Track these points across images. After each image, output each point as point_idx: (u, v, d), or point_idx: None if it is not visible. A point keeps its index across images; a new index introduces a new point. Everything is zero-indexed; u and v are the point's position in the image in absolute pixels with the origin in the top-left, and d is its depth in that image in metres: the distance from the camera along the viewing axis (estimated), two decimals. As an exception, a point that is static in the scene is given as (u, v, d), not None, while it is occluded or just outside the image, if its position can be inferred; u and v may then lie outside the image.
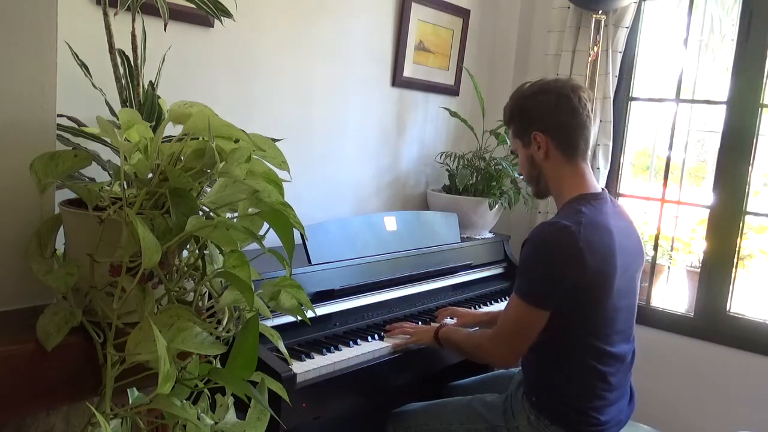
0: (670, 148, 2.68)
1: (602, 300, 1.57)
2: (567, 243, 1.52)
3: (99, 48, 1.29)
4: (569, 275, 1.53)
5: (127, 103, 1.30)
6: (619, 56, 2.64)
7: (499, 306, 2.30)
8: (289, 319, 1.65)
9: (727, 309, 2.52)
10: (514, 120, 1.73)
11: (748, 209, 2.48)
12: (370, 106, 2.45)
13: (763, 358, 2.42)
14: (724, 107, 2.49)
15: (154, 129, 0.96)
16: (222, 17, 1.35)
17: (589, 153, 1.72)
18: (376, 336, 1.85)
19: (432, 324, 1.95)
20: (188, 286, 1.03)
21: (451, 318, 2.05)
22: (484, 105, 2.61)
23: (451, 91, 2.78)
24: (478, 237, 2.58)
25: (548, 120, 1.65)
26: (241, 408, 1.09)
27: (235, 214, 1.00)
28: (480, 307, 2.26)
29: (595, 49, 2.58)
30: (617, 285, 1.58)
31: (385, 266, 2.06)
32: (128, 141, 0.93)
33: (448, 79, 2.75)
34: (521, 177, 1.85)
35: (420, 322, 2.01)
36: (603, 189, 1.72)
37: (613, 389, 1.63)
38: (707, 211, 2.56)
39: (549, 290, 1.56)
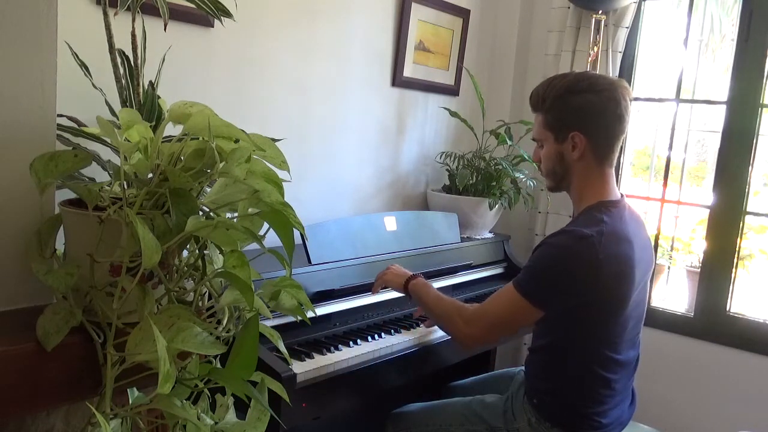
0: (670, 148, 2.68)
1: (616, 313, 1.54)
2: (586, 254, 1.48)
3: (99, 48, 1.29)
4: (581, 287, 1.50)
5: (127, 103, 1.30)
6: (619, 56, 2.64)
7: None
8: (289, 319, 1.65)
9: (727, 309, 2.52)
10: (552, 111, 1.61)
11: (748, 209, 2.48)
12: (370, 106, 2.45)
13: (763, 358, 2.42)
14: (724, 107, 2.49)
15: (154, 129, 0.96)
16: (222, 17, 1.35)
17: (615, 160, 1.65)
18: (376, 336, 1.85)
19: (407, 271, 1.87)
20: (188, 286, 1.03)
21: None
22: (484, 105, 2.61)
23: (451, 91, 2.78)
24: (478, 237, 2.58)
25: (593, 123, 1.57)
26: (241, 408, 1.09)
27: (235, 214, 1.00)
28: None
29: (595, 49, 2.58)
30: (632, 297, 1.55)
31: (385, 266, 2.06)
32: (128, 141, 0.93)
33: (448, 79, 2.75)
34: (537, 166, 1.73)
35: (420, 324, 2.01)
36: (622, 195, 1.66)
37: (616, 394, 1.62)
38: (707, 211, 2.56)
39: (552, 294, 1.53)
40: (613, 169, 1.66)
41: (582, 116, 1.58)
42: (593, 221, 1.54)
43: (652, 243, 1.75)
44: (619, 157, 2.76)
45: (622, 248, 1.53)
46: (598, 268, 1.48)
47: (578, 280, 1.50)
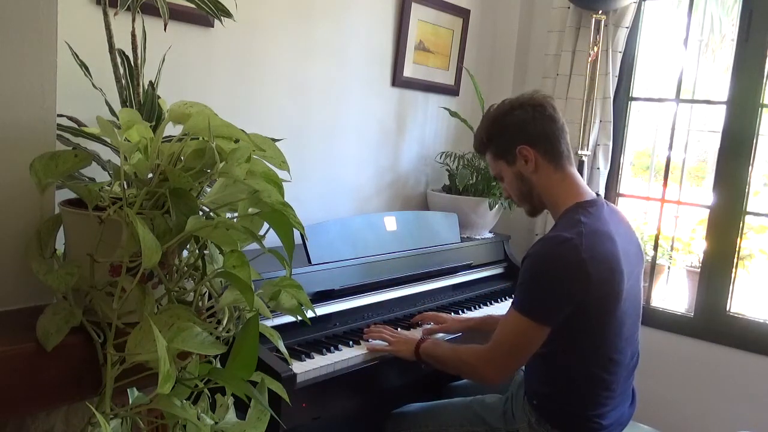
0: (670, 148, 2.68)
1: (612, 310, 1.54)
2: (570, 256, 1.49)
3: (99, 48, 1.29)
4: (574, 290, 1.50)
5: (127, 103, 1.30)
6: (619, 56, 2.64)
7: (495, 307, 2.30)
8: (289, 319, 1.65)
9: (727, 309, 2.52)
10: (493, 142, 1.71)
11: (748, 209, 2.48)
12: (370, 106, 2.45)
13: (763, 358, 2.42)
14: (724, 107, 2.49)
15: (154, 129, 0.95)
16: (222, 17, 1.35)
17: (573, 158, 1.70)
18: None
19: (413, 334, 1.85)
20: (188, 286, 1.03)
21: (432, 323, 1.99)
22: (484, 105, 2.61)
23: (451, 91, 2.78)
24: (478, 237, 2.58)
25: (530, 131, 1.64)
26: (241, 408, 1.09)
27: (235, 214, 1.00)
28: (480, 308, 2.26)
29: (595, 49, 2.58)
30: (625, 292, 1.56)
31: (385, 266, 2.06)
32: (128, 141, 0.93)
33: (448, 79, 2.75)
34: (508, 199, 1.81)
35: (420, 324, 2.00)
36: (597, 194, 1.69)
37: (616, 396, 1.62)
38: (707, 211, 2.56)
39: (552, 306, 1.52)
40: (575, 167, 1.70)
41: (518, 130, 1.66)
42: (571, 223, 1.55)
43: (638, 237, 1.76)
44: (619, 157, 2.77)
45: (604, 245, 1.53)
46: (584, 268, 1.48)
47: (568, 284, 1.50)
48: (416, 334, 1.88)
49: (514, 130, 1.66)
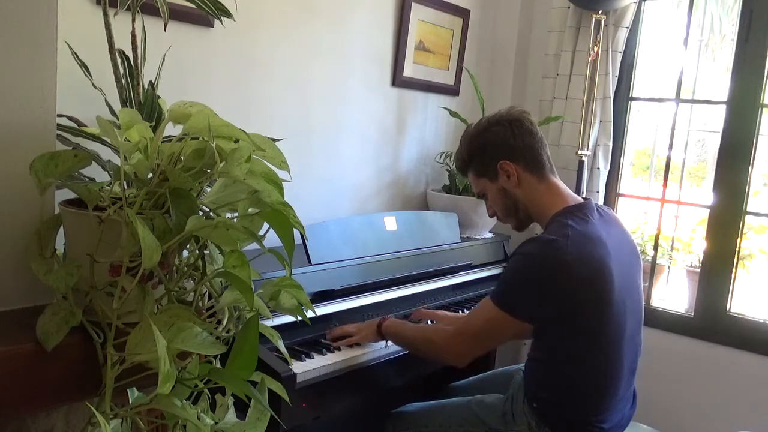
0: (670, 148, 2.68)
1: (605, 313, 1.54)
2: (554, 256, 1.49)
3: (99, 48, 1.29)
4: (555, 289, 1.50)
5: (127, 103, 1.30)
6: (619, 56, 2.64)
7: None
8: (289, 319, 1.64)
9: (727, 309, 2.52)
10: (474, 160, 1.73)
11: (748, 209, 2.48)
12: (370, 106, 2.45)
13: (763, 358, 2.42)
14: (724, 107, 2.49)
15: (154, 129, 0.95)
16: (222, 17, 1.35)
17: (555, 168, 1.72)
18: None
19: (370, 321, 1.84)
20: (188, 286, 1.03)
21: (431, 321, 1.99)
22: (484, 105, 2.61)
23: (451, 91, 2.78)
24: (478, 237, 2.58)
25: (510, 146, 1.66)
26: (241, 408, 1.09)
27: (235, 214, 0.99)
28: (480, 307, 2.26)
29: (595, 49, 2.58)
30: (617, 294, 1.55)
31: (385, 266, 2.06)
32: (128, 141, 0.93)
33: (448, 79, 2.75)
34: (494, 217, 1.82)
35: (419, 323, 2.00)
36: (586, 198, 1.70)
37: (617, 400, 1.62)
38: (707, 211, 2.56)
39: (527, 302, 1.53)
40: (557, 176, 1.72)
41: (497, 146, 1.68)
42: (559, 227, 1.56)
43: (633, 236, 1.76)
44: (619, 157, 2.77)
45: (592, 249, 1.53)
46: (569, 269, 1.49)
47: (551, 284, 1.51)
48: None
49: (494, 146, 1.68)
